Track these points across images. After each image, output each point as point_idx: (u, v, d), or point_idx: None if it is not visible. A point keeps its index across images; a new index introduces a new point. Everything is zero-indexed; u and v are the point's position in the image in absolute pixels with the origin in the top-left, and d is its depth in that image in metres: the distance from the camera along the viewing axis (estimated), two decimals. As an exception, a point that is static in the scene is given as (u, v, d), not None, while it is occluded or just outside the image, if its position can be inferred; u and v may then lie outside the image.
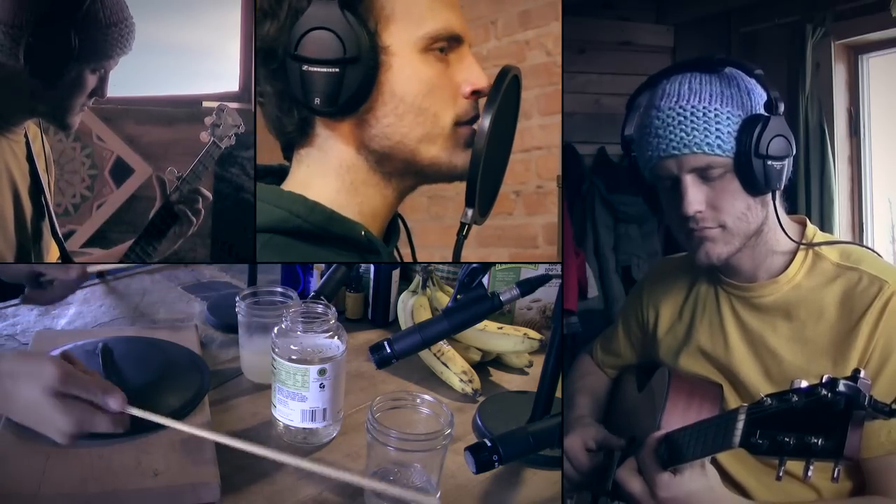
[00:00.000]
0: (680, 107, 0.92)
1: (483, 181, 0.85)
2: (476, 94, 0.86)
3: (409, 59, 0.83)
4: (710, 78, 0.94)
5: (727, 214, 0.94)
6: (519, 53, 2.00)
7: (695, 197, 0.93)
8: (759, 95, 0.93)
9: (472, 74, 0.86)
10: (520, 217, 2.02)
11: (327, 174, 0.87)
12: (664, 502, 0.83)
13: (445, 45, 0.84)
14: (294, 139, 0.88)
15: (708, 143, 0.91)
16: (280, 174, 0.90)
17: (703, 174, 0.93)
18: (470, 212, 0.86)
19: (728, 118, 0.91)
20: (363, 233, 0.86)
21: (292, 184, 0.88)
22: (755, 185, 0.91)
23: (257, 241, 0.84)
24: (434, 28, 0.83)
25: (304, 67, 0.81)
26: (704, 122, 0.91)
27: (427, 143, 0.85)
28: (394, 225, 0.94)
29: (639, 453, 0.86)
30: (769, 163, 0.90)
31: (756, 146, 0.89)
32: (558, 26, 1.93)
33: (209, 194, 1.31)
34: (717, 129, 0.91)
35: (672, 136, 0.92)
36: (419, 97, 0.83)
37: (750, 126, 0.90)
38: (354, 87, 0.81)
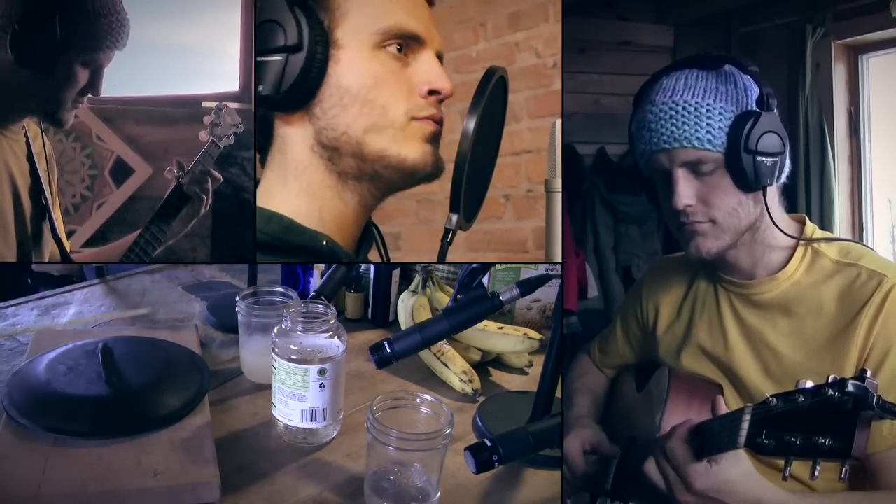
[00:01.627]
0: (673, 101, 0.93)
1: (468, 185, 0.84)
2: (434, 94, 0.86)
3: (358, 54, 0.84)
4: (706, 74, 0.94)
5: (717, 210, 0.94)
6: (509, 55, 1.99)
7: (685, 191, 0.93)
8: (756, 93, 0.93)
9: (432, 75, 0.86)
10: (509, 221, 2.01)
11: (287, 178, 0.87)
12: (701, 493, 0.80)
13: (401, 43, 0.85)
14: (261, 140, 0.89)
15: (698, 138, 0.91)
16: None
17: (694, 169, 0.93)
18: (454, 217, 0.85)
19: (720, 114, 0.91)
20: (325, 243, 0.85)
21: (261, 192, 0.88)
22: (745, 180, 0.91)
23: None
24: (386, 25, 0.84)
25: (257, 58, 0.83)
26: (695, 116, 0.91)
27: (374, 134, 0.84)
28: (367, 233, 0.93)
29: (666, 445, 0.83)
30: (759, 159, 0.90)
31: (746, 141, 0.90)
32: (548, 28, 1.92)
33: (219, 175, 1.31)
34: (707, 124, 0.91)
35: (663, 131, 0.93)
36: (364, 89, 0.83)
37: (741, 122, 0.90)
38: (296, 73, 0.82)
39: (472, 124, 0.82)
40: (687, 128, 0.92)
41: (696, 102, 0.92)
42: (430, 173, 0.87)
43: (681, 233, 0.98)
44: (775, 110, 0.91)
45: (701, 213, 0.94)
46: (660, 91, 0.95)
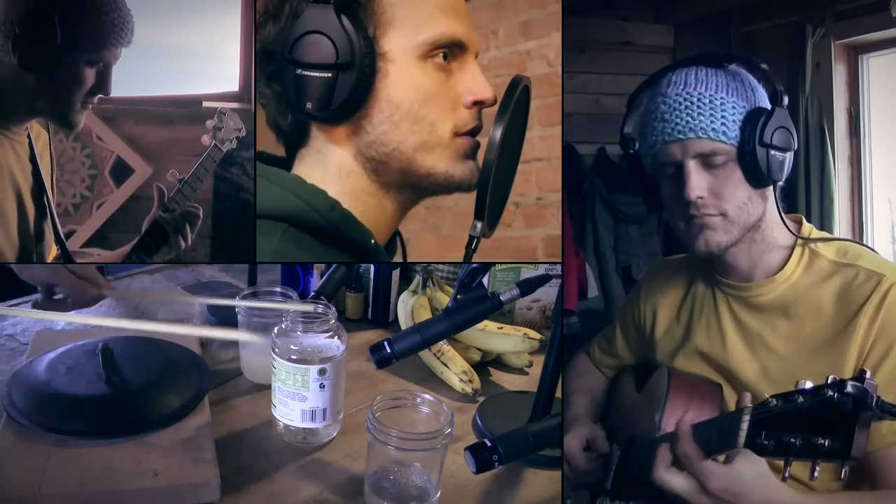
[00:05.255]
0: (687, 93, 0.94)
1: (492, 193, 0.85)
2: (478, 104, 0.85)
3: (406, 67, 0.82)
4: (716, 71, 0.95)
5: (728, 203, 0.94)
6: (520, 63, 1.99)
7: (698, 182, 0.93)
8: (763, 93, 0.95)
9: (476, 84, 0.85)
10: (519, 229, 2.01)
11: (328, 180, 0.85)
12: (716, 493, 0.77)
13: (447, 52, 0.83)
14: (292, 140, 0.88)
15: (713, 129, 0.92)
16: (284, 165, 0.89)
17: (707, 161, 0.93)
18: (479, 225, 0.85)
19: (734, 107, 0.93)
20: (373, 241, 0.86)
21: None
22: (757, 174, 0.92)
23: (270, 229, 0.82)
24: (433, 34, 0.82)
25: (298, 71, 0.80)
26: (710, 108, 0.92)
27: (424, 152, 0.84)
28: (392, 242, 0.93)
29: (675, 446, 0.81)
30: (772, 153, 0.91)
31: (760, 135, 0.90)
32: (559, 37, 1.93)
33: (200, 212, 1.30)
34: (722, 116, 0.92)
35: (678, 121, 0.93)
36: (416, 105, 0.82)
37: (755, 116, 0.92)
38: (347, 93, 0.80)
39: (498, 133, 0.82)
40: (703, 118, 0.92)
41: (711, 95, 0.93)
42: (472, 186, 0.87)
43: (689, 227, 0.97)
44: (786, 106, 0.92)
45: (712, 205, 0.94)
46: (671, 84, 0.96)
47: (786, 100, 0.92)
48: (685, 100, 0.93)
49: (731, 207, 0.94)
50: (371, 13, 0.81)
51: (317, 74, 0.80)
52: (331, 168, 0.86)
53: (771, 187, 0.95)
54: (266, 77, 0.85)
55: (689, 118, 0.93)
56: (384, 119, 0.83)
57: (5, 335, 1.38)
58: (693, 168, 0.94)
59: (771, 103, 0.92)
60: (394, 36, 0.82)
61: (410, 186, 0.87)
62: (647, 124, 0.98)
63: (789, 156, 0.93)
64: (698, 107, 0.93)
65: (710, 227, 0.95)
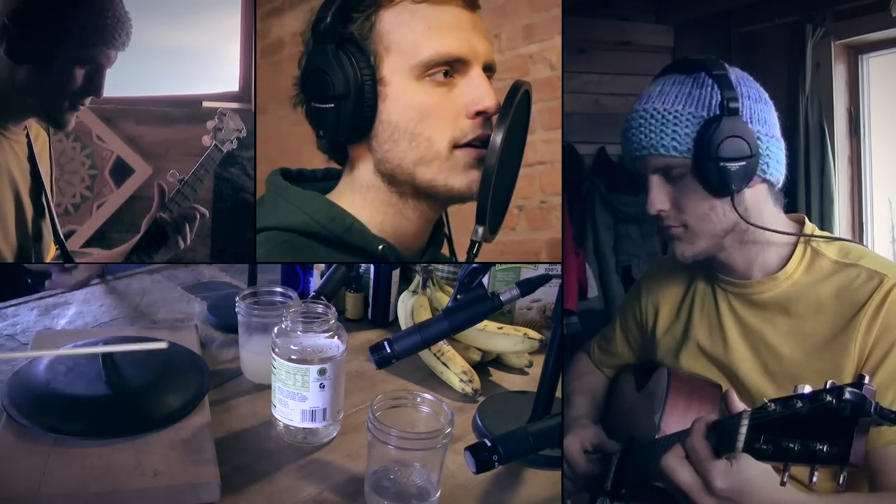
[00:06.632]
0: (643, 109, 0.95)
1: (493, 198, 0.86)
2: (481, 114, 0.88)
3: (402, 89, 0.87)
4: (684, 79, 0.95)
5: (689, 215, 0.95)
6: (523, 67, 1.99)
7: (657, 197, 0.95)
8: (741, 93, 0.92)
9: (478, 95, 0.88)
10: (523, 232, 2.01)
11: (354, 193, 0.93)
12: (721, 493, 0.75)
13: (447, 69, 0.87)
14: (338, 160, 0.96)
15: (663, 145, 0.92)
16: (320, 181, 0.97)
17: (667, 174, 0.95)
18: (480, 230, 0.88)
19: (688, 120, 0.92)
20: (381, 247, 0.90)
21: (335, 195, 0.94)
22: (711, 186, 0.92)
23: (277, 239, 0.89)
24: (426, 56, 0.87)
25: (312, 103, 0.89)
26: (661, 124, 0.93)
27: (423, 166, 0.89)
28: (433, 240, 0.98)
29: (686, 441, 0.80)
30: (723, 164, 0.90)
31: (707, 147, 0.90)
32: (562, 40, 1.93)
33: (204, 211, 1.30)
34: (673, 131, 0.92)
35: (634, 139, 0.95)
36: (412, 123, 0.87)
37: (705, 128, 0.91)
38: (349, 119, 0.87)
39: (499, 138, 0.85)
40: (653, 135, 0.93)
41: (665, 109, 0.93)
42: (473, 196, 0.91)
43: (662, 236, 1.00)
44: (743, 114, 0.90)
45: (674, 217, 0.96)
46: (639, 99, 0.97)
47: (738, 106, 0.89)
48: (641, 116, 0.94)
49: (692, 219, 0.95)
50: (370, 44, 0.87)
51: (322, 106, 0.87)
52: (356, 183, 0.94)
53: (760, 190, 0.94)
54: (304, 108, 0.93)
55: (642, 136, 0.94)
56: (386, 138, 0.89)
57: (5, 335, 1.39)
58: (655, 183, 0.95)
59: (720, 112, 0.90)
60: (390, 61, 0.87)
61: (425, 196, 0.92)
62: (622, 139, 0.99)
63: (751, 163, 0.90)
64: (650, 123, 0.93)
65: (677, 238, 0.98)
